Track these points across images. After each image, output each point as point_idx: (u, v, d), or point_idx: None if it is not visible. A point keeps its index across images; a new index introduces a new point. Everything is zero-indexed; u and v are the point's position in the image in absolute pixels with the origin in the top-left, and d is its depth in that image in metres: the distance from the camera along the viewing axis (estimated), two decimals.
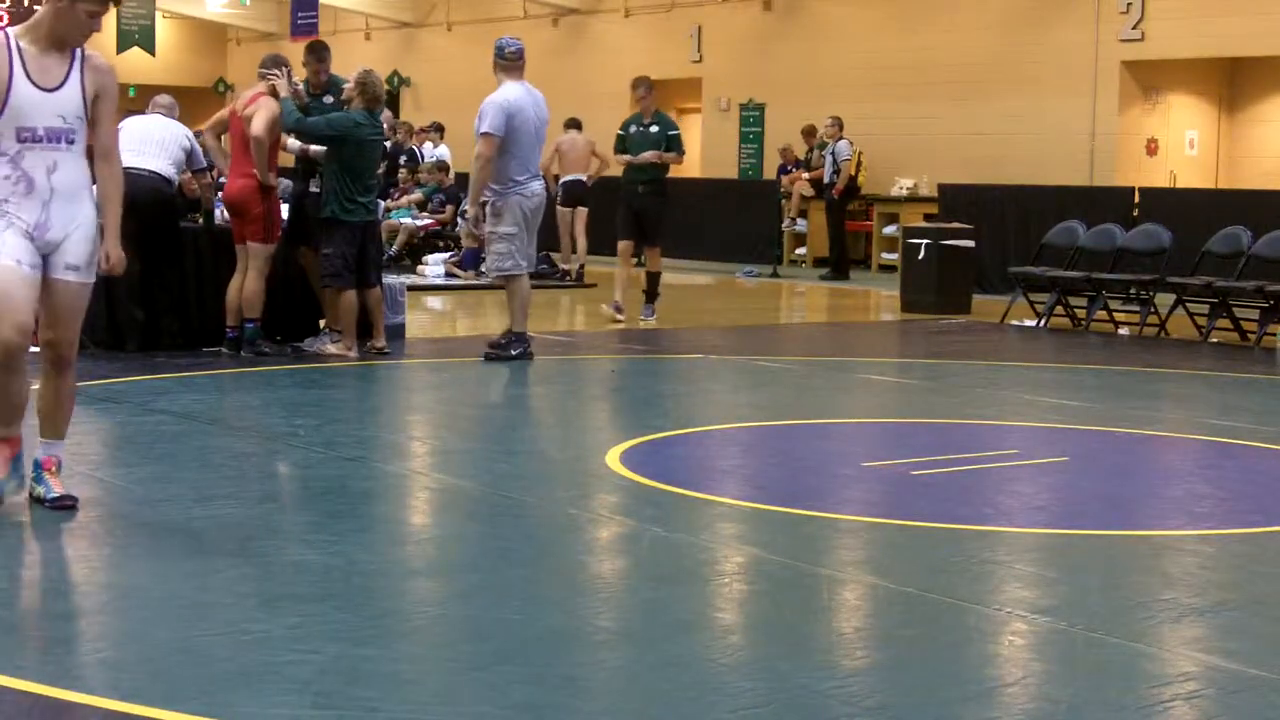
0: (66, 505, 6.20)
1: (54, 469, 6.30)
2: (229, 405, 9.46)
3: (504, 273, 11.43)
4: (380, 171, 12.41)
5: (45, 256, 6.02)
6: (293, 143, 11.24)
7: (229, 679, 4.26)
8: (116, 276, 6.42)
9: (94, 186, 6.24)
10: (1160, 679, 4.53)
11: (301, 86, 11.26)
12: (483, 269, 18.34)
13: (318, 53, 11.66)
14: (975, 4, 21.52)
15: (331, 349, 11.12)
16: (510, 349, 11.30)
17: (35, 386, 6.37)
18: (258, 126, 10.73)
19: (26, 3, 11.58)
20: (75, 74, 6.02)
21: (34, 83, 5.93)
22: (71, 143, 6.00)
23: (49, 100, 5.96)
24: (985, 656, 4.82)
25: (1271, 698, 4.36)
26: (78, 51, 6.07)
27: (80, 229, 6.06)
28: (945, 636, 4.91)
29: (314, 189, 11.24)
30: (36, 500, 6.24)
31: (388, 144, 17.57)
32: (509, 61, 11.46)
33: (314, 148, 11.18)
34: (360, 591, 5.22)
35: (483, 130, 11.17)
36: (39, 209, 5.97)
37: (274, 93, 10.96)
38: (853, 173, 20.48)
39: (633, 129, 15.05)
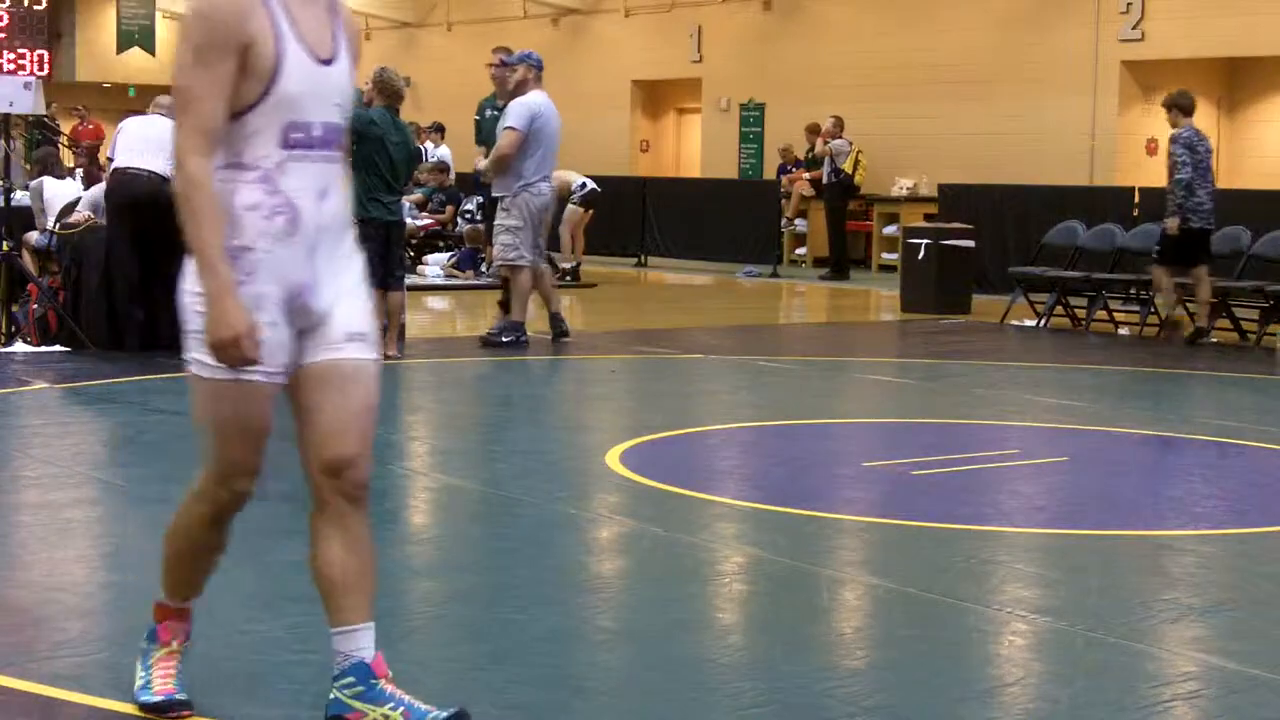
0: None
1: (390, 675, 3.86)
2: None
3: (508, 263, 12.21)
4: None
5: (302, 331, 3.78)
6: None
7: (229, 679, 4.26)
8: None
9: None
10: (1160, 679, 4.53)
11: None
12: (482, 269, 18.40)
13: None
14: (976, 4, 21.51)
15: None
16: (502, 336, 12.02)
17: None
18: None
19: (26, 2, 11.57)
20: (341, 34, 3.78)
21: (309, 50, 3.69)
22: (344, 148, 3.83)
23: (326, 79, 3.72)
24: (985, 656, 4.82)
25: (1271, 698, 4.37)
26: None
27: (359, 286, 3.85)
28: (945, 636, 4.91)
29: None
30: None
31: None
32: (541, 72, 12.36)
33: None
34: None
35: (507, 125, 12.07)
36: (303, 260, 3.71)
37: None
38: (849, 170, 20.48)
39: (488, 113, 14.09)
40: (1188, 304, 13.86)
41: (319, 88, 3.68)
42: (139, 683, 4.04)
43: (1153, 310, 14.20)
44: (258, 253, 3.65)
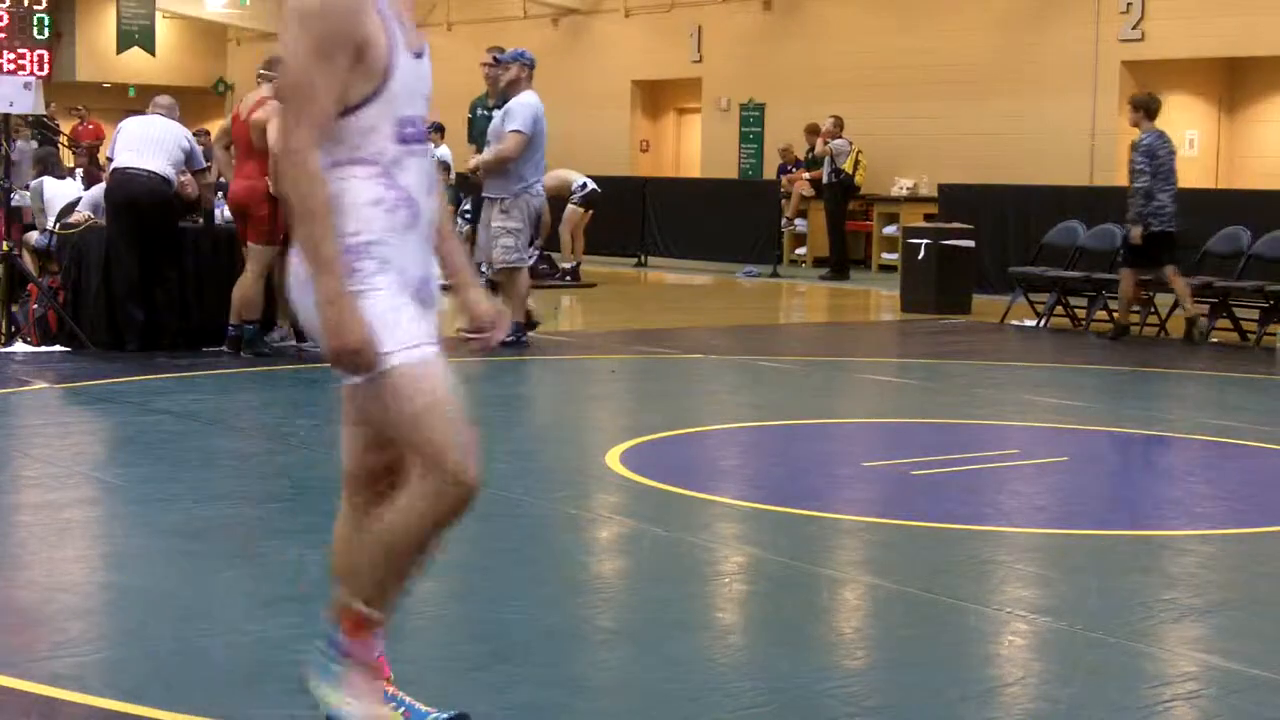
0: None
1: (391, 676, 3.84)
2: (229, 405, 9.45)
3: (508, 265, 12.16)
4: None
5: None
6: None
7: (229, 679, 4.26)
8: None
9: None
10: (1160, 679, 4.53)
11: None
12: (482, 269, 18.38)
13: None
14: (975, 4, 21.51)
15: None
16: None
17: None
18: (275, 141, 10.67)
19: (26, 2, 11.56)
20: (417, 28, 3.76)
21: (406, 44, 3.63)
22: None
23: (420, 72, 3.68)
24: (985, 656, 4.82)
25: (1271, 698, 4.36)
26: None
27: (439, 282, 3.80)
28: (945, 636, 4.91)
29: None
30: None
31: None
32: (533, 71, 12.22)
33: None
34: None
35: (514, 128, 11.81)
36: (421, 251, 3.67)
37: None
38: (849, 170, 20.48)
39: (479, 113, 14.01)
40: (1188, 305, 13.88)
41: (417, 82, 3.63)
42: (336, 708, 3.67)
43: (1152, 310, 14.22)
44: (387, 244, 3.55)
